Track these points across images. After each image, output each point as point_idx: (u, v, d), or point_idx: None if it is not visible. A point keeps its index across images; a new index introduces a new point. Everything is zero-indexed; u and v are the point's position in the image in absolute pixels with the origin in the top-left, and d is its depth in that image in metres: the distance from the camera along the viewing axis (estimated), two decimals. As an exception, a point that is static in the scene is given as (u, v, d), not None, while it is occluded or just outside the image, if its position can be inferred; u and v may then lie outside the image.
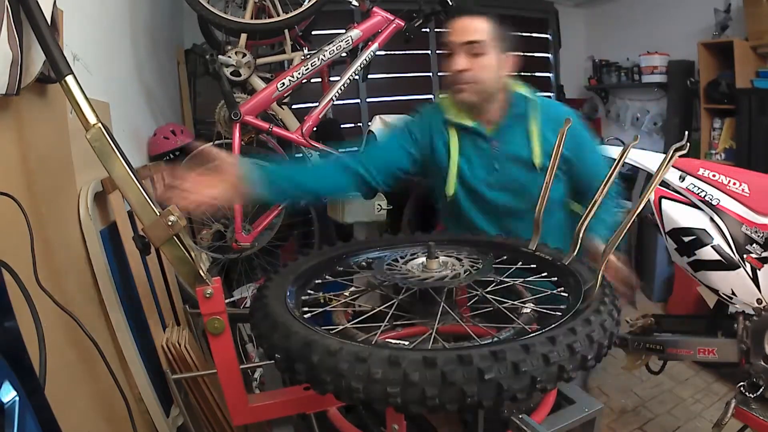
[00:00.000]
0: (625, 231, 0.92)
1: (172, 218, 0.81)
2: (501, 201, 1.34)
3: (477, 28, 1.26)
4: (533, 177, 1.28)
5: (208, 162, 1.07)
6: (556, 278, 0.99)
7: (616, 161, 0.96)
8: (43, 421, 0.69)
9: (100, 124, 0.84)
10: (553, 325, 0.73)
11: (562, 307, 0.84)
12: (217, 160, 1.07)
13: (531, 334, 0.71)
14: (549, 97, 1.43)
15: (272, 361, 0.75)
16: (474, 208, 1.37)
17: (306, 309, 0.93)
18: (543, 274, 1.02)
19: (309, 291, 1.01)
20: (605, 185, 1.00)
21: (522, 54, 3.81)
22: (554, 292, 0.97)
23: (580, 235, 1.00)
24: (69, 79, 0.87)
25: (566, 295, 0.91)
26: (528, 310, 0.93)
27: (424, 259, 1.00)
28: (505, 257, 1.09)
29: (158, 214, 0.82)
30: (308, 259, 1.10)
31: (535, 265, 1.05)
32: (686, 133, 1.07)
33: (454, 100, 1.33)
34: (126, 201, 0.85)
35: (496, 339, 0.79)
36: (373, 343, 0.77)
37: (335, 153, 1.38)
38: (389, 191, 1.42)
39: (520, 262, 1.07)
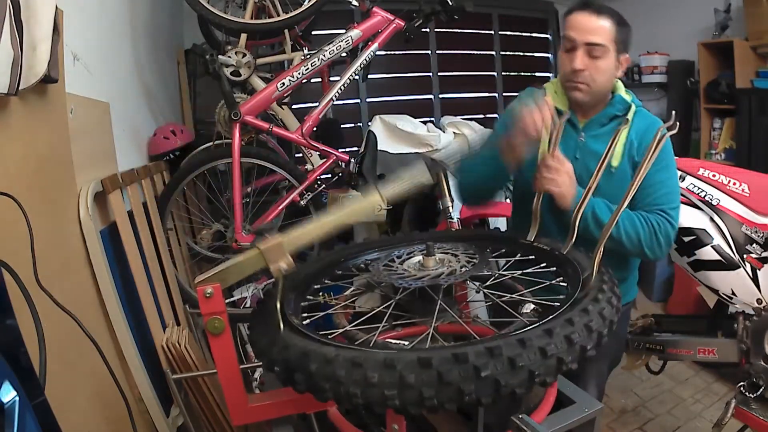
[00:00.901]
0: (617, 217, 0.94)
1: (283, 266, 0.82)
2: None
3: (601, 29, 1.23)
4: (607, 176, 1.24)
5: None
6: (554, 268, 0.99)
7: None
8: (43, 421, 0.69)
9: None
10: (550, 317, 0.72)
11: (560, 297, 0.84)
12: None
13: (527, 327, 0.70)
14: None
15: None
16: (546, 196, 1.30)
17: (305, 315, 0.93)
18: (541, 265, 1.02)
19: (308, 297, 1.01)
20: (596, 175, 1.02)
21: (522, 54, 3.79)
22: (553, 282, 0.97)
23: (576, 223, 1.03)
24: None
25: (565, 284, 0.91)
26: (528, 310, 0.93)
27: (421, 257, 1.00)
28: (503, 250, 1.09)
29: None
30: (306, 266, 1.10)
31: (533, 257, 1.05)
32: (673, 112, 1.07)
33: (566, 95, 1.32)
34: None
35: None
36: (371, 344, 0.77)
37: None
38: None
39: (519, 254, 1.07)
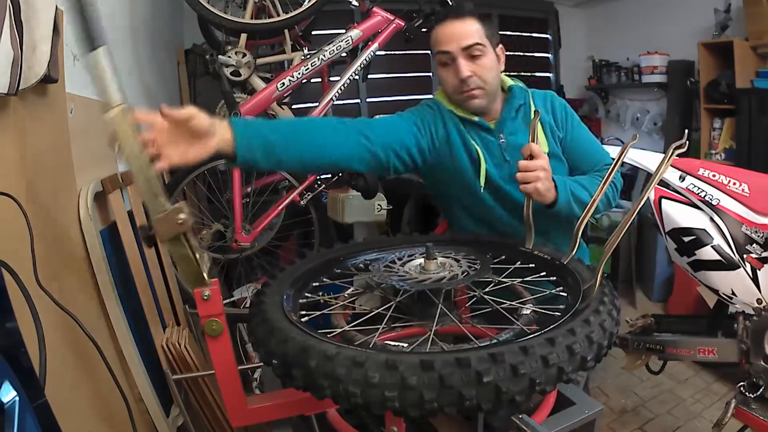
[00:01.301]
0: (625, 229, 0.92)
1: (182, 216, 0.80)
2: (518, 194, 1.26)
3: (471, 29, 1.23)
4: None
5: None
6: (554, 278, 0.99)
7: (615, 160, 0.96)
8: (43, 421, 0.69)
9: (124, 105, 0.82)
10: (551, 326, 0.72)
11: (561, 306, 0.84)
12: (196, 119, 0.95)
13: (529, 336, 0.70)
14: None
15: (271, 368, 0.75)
16: (498, 206, 1.32)
17: (303, 312, 0.93)
18: (541, 274, 1.02)
19: (307, 294, 1.01)
20: (603, 185, 1.00)
21: (522, 54, 3.80)
22: (553, 291, 0.97)
23: (579, 235, 1.00)
24: (102, 50, 0.83)
25: (565, 294, 0.91)
26: (528, 311, 0.93)
27: (422, 260, 1.00)
28: (503, 257, 1.09)
29: (168, 208, 0.81)
30: (305, 262, 1.10)
31: (533, 265, 1.05)
32: (686, 131, 1.08)
33: (464, 107, 1.30)
34: (136, 191, 0.83)
35: (495, 341, 0.79)
36: (370, 345, 0.77)
37: (337, 119, 1.22)
38: (396, 173, 1.29)
39: (519, 262, 1.07)
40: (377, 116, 1.32)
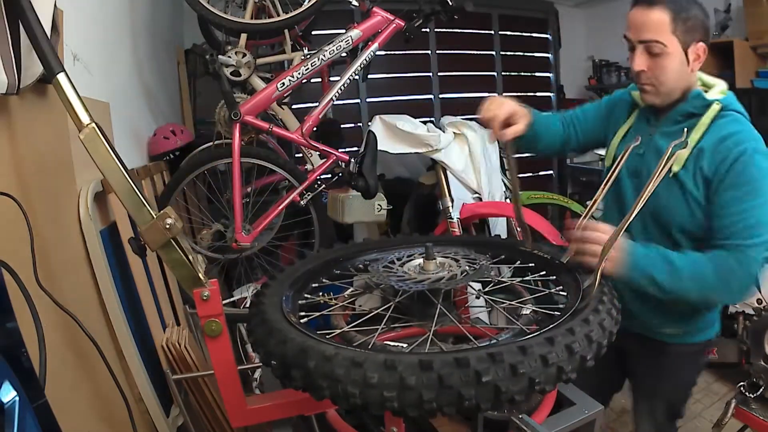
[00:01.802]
0: (623, 229, 0.92)
1: (169, 221, 0.80)
2: (625, 188, 1.24)
3: (655, 23, 1.08)
4: (666, 183, 1.11)
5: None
6: (554, 277, 0.99)
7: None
8: (43, 421, 0.69)
9: (93, 124, 0.83)
10: (551, 326, 0.72)
11: (560, 306, 0.84)
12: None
13: (528, 336, 0.70)
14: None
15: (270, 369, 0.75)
16: (618, 191, 1.25)
17: (303, 313, 0.93)
18: (541, 273, 1.02)
19: (306, 295, 1.01)
20: (604, 187, 0.99)
21: (522, 54, 3.79)
22: (552, 291, 0.97)
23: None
24: (61, 77, 0.84)
25: (564, 294, 0.91)
26: (527, 311, 0.93)
27: (421, 260, 1.00)
28: (503, 256, 1.09)
29: (154, 216, 0.81)
30: (304, 263, 1.10)
31: (533, 264, 1.05)
32: (684, 130, 1.08)
33: (642, 100, 1.23)
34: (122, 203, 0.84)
35: (494, 341, 0.79)
36: (369, 346, 0.77)
37: (556, 116, 1.41)
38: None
39: (518, 261, 1.07)
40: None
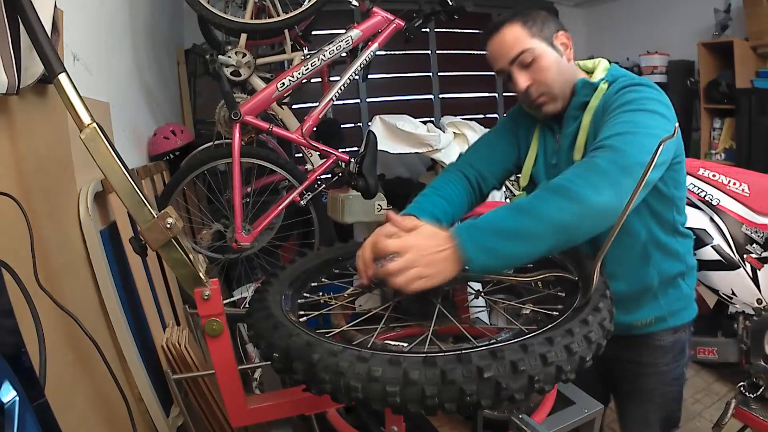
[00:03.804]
0: (617, 228, 0.89)
1: (169, 220, 0.80)
2: None
3: (511, 38, 1.08)
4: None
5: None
6: (553, 276, 0.98)
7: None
8: (43, 421, 0.69)
9: (94, 124, 0.83)
10: (550, 326, 0.72)
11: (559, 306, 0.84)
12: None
13: (528, 335, 0.70)
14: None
15: (270, 362, 0.75)
16: None
17: (302, 312, 0.93)
18: (540, 272, 1.02)
19: (305, 294, 1.01)
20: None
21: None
22: (551, 291, 0.97)
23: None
24: (62, 77, 0.85)
25: (563, 294, 0.91)
26: (527, 311, 0.93)
27: None
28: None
29: (155, 216, 0.81)
30: (304, 261, 1.10)
31: (531, 264, 1.05)
32: (675, 125, 1.06)
33: (539, 116, 1.18)
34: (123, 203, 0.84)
35: (493, 340, 0.79)
36: (368, 345, 0.77)
37: (451, 170, 1.24)
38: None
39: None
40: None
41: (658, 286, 1.14)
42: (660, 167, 0.94)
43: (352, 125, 3.88)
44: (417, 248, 0.78)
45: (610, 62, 1.15)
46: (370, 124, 2.41)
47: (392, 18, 2.04)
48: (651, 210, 1.09)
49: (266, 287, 0.93)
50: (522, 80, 1.09)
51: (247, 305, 2.03)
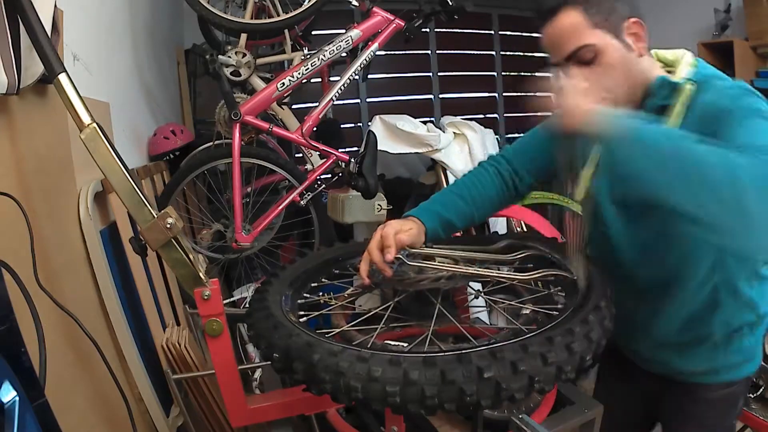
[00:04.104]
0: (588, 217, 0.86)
1: (170, 220, 0.81)
2: (614, 223, 1.00)
3: (568, 28, 0.89)
4: None
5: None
6: (552, 277, 0.98)
7: None
8: (43, 421, 0.69)
9: (94, 124, 0.83)
10: (549, 325, 0.72)
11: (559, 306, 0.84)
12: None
13: (528, 335, 0.70)
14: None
15: (270, 362, 0.75)
16: (594, 226, 1.02)
17: (302, 312, 0.93)
18: (539, 272, 1.02)
19: (305, 294, 1.01)
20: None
21: (522, 54, 3.77)
22: (551, 291, 0.97)
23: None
24: (62, 77, 0.85)
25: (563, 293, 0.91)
26: (527, 311, 0.93)
27: (420, 260, 1.00)
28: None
29: (155, 216, 0.82)
30: (304, 263, 1.10)
31: (531, 264, 1.05)
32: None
33: None
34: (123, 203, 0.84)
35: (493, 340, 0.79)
36: (368, 345, 0.77)
37: (484, 164, 1.15)
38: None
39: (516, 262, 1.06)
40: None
41: (719, 337, 0.97)
42: None
43: (352, 125, 3.88)
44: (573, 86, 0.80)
45: (694, 56, 0.95)
46: (370, 124, 2.41)
47: (392, 18, 2.04)
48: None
49: (266, 287, 0.94)
50: None
51: (247, 305, 2.03)
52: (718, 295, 0.94)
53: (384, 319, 0.89)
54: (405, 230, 0.96)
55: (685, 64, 0.93)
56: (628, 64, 0.90)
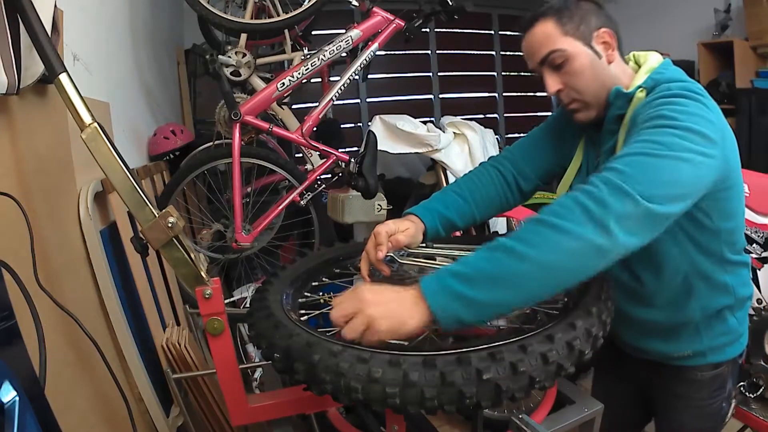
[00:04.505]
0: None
1: (171, 220, 0.81)
2: None
3: (541, 36, 0.97)
4: None
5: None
6: None
7: None
8: (43, 421, 0.69)
9: (95, 124, 0.83)
10: (550, 324, 0.72)
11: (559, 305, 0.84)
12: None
13: (528, 333, 0.70)
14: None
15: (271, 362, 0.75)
16: None
17: (303, 312, 0.93)
18: None
19: (306, 294, 1.01)
20: None
21: (522, 54, 3.76)
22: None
23: None
24: (63, 77, 0.85)
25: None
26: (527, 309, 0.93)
27: (421, 260, 1.00)
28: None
29: (156, 215, 0.82)
30: (304, 262, 1.10)
31: None
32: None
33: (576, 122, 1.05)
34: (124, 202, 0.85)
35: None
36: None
37: (486, 165, 1.16)
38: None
39: None
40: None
41: (700, 320, 1.01)
42: (683, 199, 0.76)
43: (352, 125, 3.88)
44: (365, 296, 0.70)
45: (663, 59, 0.99)
46: (370, 124, 2.41)
47: (392, 18, 2.04)
48: (693, 241, 0.94)
49: (267, 287, 0.94)
50: (552, 83, 0.98)
51: (247, 305, 2.03)
52: (691, 281, 0.98)
53: None
54: (402, 230, 0.97)
55: (644, 70, 0.97)
56: (596, 69, 0.96)
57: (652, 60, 0.99)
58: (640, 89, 0.93)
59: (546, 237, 0.69)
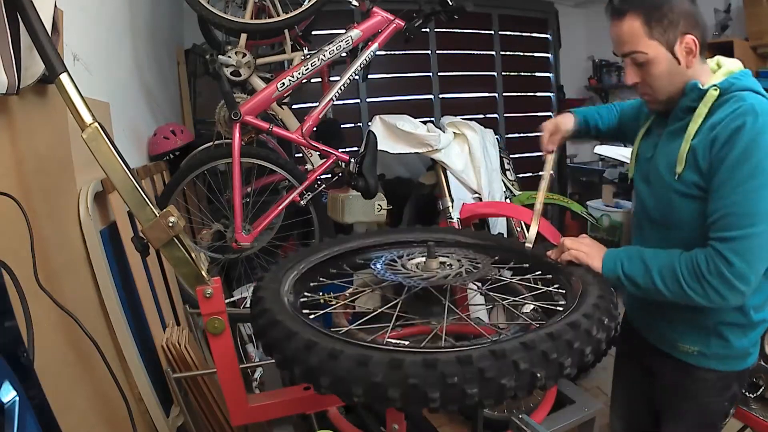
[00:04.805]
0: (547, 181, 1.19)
1: (171, 219, 0.81)
2: (642, 195, 1.18)
3: (627, 33, 1.03)
4: (671, 183, 1.06)
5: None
6: (550, 275, 0.99)
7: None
8: (43, 421, 0.69)
9: (96, 124, 0.83)
10: (550, 324, 0.73)
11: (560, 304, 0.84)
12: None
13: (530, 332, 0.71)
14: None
15: (272, 361, 0.75)
16: (638, 197, 1.22)
17: (305, 311, 0.93)
18: (537, 272, 1.02)
19: (306, 293, 1.01)
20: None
21: (522, 54, 3.78)
22: (550, 289, 0.97)
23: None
24: (63, 77, 0.85)
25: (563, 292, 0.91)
26: (527, 310, 0.93)
27: (421, 259, 1.00)
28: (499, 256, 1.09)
29: (157, 215, 0.82)
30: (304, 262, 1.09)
31: (527, 265, 1.05)
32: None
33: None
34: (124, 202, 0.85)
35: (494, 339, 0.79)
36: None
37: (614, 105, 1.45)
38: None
39: (513, 261, 1.07)
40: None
41: (712, 327, 1.09)
42: None
43: (352, 125, 3.88)
44: (588, 242, 1.10)
45: (744, 68, 1.08)
46: (370, 124, 2.41)
47: (392, 18, 2.04)
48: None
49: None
50: (631, 76, 1.08)
51: (246, 305, 2.03)
52: None
53: (394, 318, 0.89)
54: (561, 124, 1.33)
55: (723, 72, 1.06)
56: (673, 74, 1.04)
57: (732, 65, 1.08)
58: (714, 87, 1.01)
59: (673, 289, 1.00)
